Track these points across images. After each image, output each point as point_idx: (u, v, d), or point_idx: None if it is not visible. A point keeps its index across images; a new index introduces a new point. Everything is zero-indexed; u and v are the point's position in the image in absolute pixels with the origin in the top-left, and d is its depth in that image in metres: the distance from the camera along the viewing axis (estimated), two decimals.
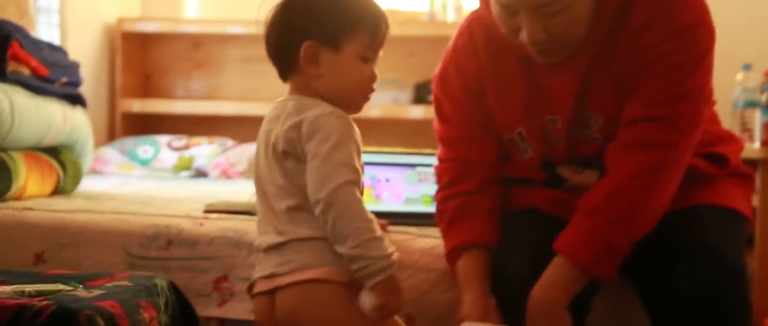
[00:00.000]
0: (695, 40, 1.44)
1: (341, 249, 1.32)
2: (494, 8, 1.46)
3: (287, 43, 1.41)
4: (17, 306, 1.24)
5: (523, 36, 1.43)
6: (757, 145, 2.57)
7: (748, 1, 3.34)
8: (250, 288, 1.45)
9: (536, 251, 1.49)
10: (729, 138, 1.67)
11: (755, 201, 2.48)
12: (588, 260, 1.43)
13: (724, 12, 3.29)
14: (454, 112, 1.62)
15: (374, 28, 1.42)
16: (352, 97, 1.42)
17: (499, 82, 1.56)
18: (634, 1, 1.45)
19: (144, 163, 3.35)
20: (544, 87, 1.52)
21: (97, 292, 1.35)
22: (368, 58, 1.42)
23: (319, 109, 1.38)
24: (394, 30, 4.09)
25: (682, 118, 1.44)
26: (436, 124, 1.68)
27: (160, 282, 1.48)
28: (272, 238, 1.39)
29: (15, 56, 2.14)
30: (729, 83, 2.77)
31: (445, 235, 1.62)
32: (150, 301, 1.40)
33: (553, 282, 1.44)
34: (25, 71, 2.21)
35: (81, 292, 1.35)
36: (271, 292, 1.39)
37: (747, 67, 2.75)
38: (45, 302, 1.25)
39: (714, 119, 1.67)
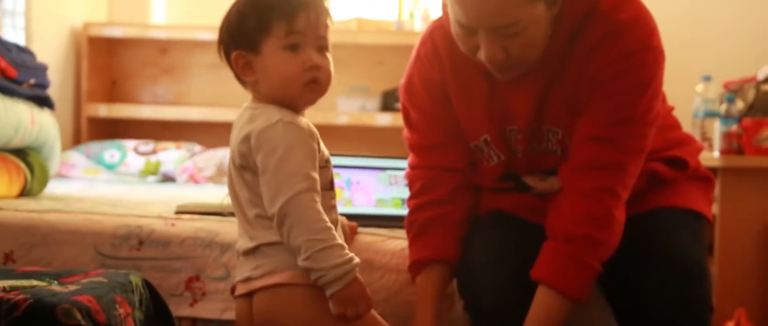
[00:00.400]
0: (642, 64, 1.47)
1: (299, 260, 1.35)
2: (453, 27, 1.48)
3: (226, 59, 1.44)
4: None
5: (482, 55, 1.46)
6: (716, 154, 2.64)
7: (708, 15, 3.42)
8: (233, 290, 1.48)
9: (501, 244, 1.55)
10: (688, 141, 1.71)
11: (715, 209, 2.55)
12: (575, 287, 1.47)
13: (685, 25, 3.39)
14: (422, 119, 1.65)
15: (288, 15, 1.40)
16: (293, 91, 1.41)
17: (462, 90, 1.59)
18: (588, 21, 1.48)
19: (110, 167, 3.34)
20: (504, 96, 1.55)
21: (72, 288, 1.35)
22: (295, 44, 1.39)
23: (265, 118, 1.39)
24: (363, 38, 4.15)
25: (628, 140, 1.48)
26: (405, 132, 1.70)
27: (135, 278, 1.49)
28: (246, 243, 1.43)
29: None
30: (689, 94, 2.85)
31: (410, 246, 1.65)
32: (125, 297, 1.41)
33: (541, 315, 1.48)
34: None
35: (56, 288, 1.35)
36: (250, 295, 1.43)
37: (707, 79, 2.82)
38: (21, 296, 1.25)
39: (674, 125, 1.71)
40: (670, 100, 1.72)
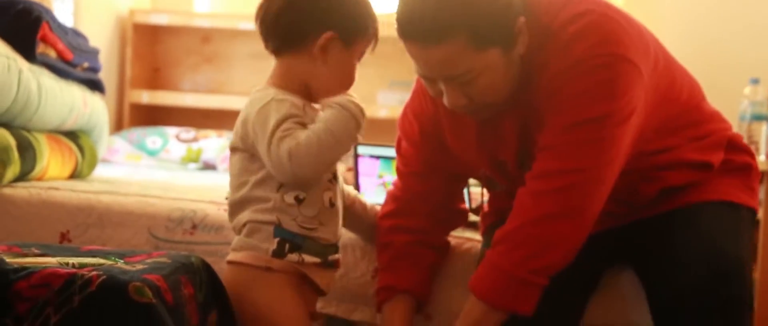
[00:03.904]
0: (590, 70, 1.43)
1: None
2: (419, 75, 1.50)
3: (301, 26, 1.46)
4: (68, 274, 1.26)
5: (445, 101, 1.47)
6: (763, 157, 2.63)
7: (756, 17, 3.40)
8: None
9: None
10: (713, 134, 1.62)
11: (760, 213, 2.53)
12: (489, 293, 1.47)
13: (733, 27, 3.37)
14: (410, 150, 1.70)
15: (376, 35, 1.52)
16: (337, 93, 1.47)
17: (454, 126, 1.61)
18: (545, 42, 1.47)
19: (152, 153, 3.37)
20: (492, 131, 1.56)
21: (140, 266, 1.37)
22: (359, 61, 1.52)
23: (259, 103, 1.45)
24: None
25: (581, 146, 1.45)
26: (396, 159, 1.75)
27: (196, 260, 1.50)
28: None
29: (44, 38, 2.16)
30: (737, 96, 2.83)
31: (386, 268, 1.68)
32: (189, 278, 1.42)
33: (463, 320, 1.50)
34: (52, 54, 2.23)
35: (124, 266, 1.37)
36: None
37: (755, 81, 2.81)
38: (94, 272, 1.27)
39: (701, 120, 1.62)
40: (716, 103, 1.69)
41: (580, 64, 1.44)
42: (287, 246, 1.47)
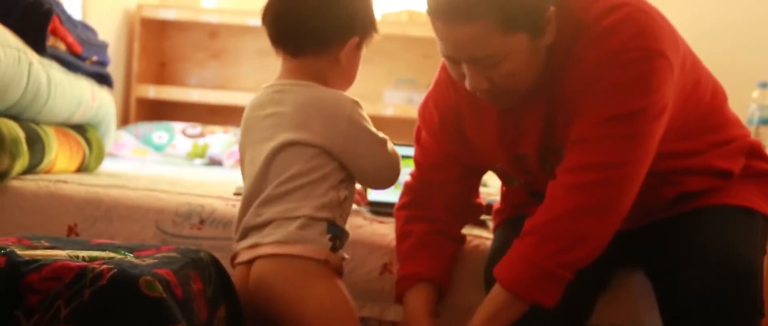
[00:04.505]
0: (625, 64, 1.43)
1: None
2: (443, 57, 1.50)
3: (329, 32, 1.50)
4: (79, 267, 1.26)
5: (467, 84, 1.47)
6: None
7: (765, 20, 3.39)
8: (233, 258, 1.55)
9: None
10: (735, 140, 1.62)
11: None
12: (515, 283, 1.47)
13: (741, 30, 3.36)
14: (429, 140, 1.70)
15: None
16: (346, 89, 1.56)
17: (475, 117, 1.61)
18: (576, 38, 1.47)
19: (158, 148, 3.37)
20: (514, 123, 1.56)
21: (150, 261, 1.37)
22: None
23: (338, 103, 1.52)
24: (413, 31, 4.16)
25: (614, 140, 1.44)
26: (414, 149, 1.75)
27: (205, 255, 1.50)
28: (254, 219, 1.51)
29: (54, 31, 2.16)
30: (745, 100, 2.83)
31: (406, 258, 1.67)
32: (198, 273, 1.42)
33: (485, 307, 1.50)
34: (62, 47, 2.24)
35: (134, 260, 1.37)
36: (250, 262, 1.50)
37: (763, 85, 2.80)
38: (105, 266, 1.27)
39: (722, 124, 1.63)
40: None
41: (616, 56, 1.43)
42: (337, 242, 1.51)
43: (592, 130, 1.45)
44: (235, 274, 1.54)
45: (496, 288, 1.50)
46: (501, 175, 1.71)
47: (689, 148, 1.57)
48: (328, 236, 1.49)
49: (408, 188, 1.74)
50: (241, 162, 1.61)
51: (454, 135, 1.65)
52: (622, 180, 1.45)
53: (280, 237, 1.47)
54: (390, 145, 1.56)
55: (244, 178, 1.60)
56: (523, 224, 1.52)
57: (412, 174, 1.76)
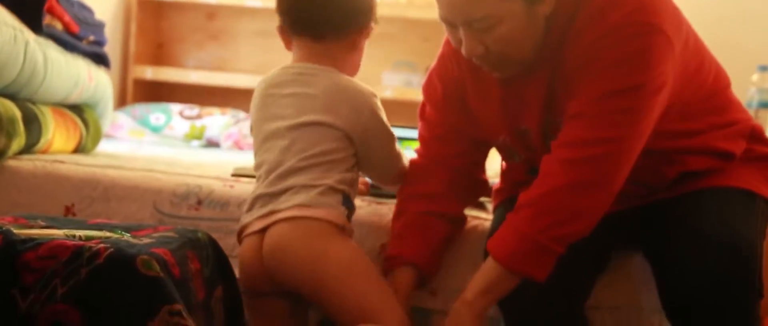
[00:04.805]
0: (625, 38, 1.43)
1: None
2: (441, 20, 1.51)
3: (351, 15, 1.58)
4: (76, 246, 1.25)
5: (463, 49, 1.47)
6: None
7: (764, 3, 3.38)
8: (241, 232, 1.57)
9: None
10: (737, 123, 1.62)
11: None
12: (508, 256, 1.47)
13: (741, 14, 3.35)
14: (434, 113, 1.70)
15: None
16: (353, 75, 1.63)
17: (478, 90, 1.61)
18: (577, 11, 1.47)
19: (155, 129, 3.36)
20: (516, 97, 1.56)
21: (147, 240, 1.36)
22: None
23: (363, 96, 1.61)
24: (412, 13, 4.15)
25: (612, 115, 1.44)
26: (419, 127, 1.75)
27: (202, 236, 1.50)
28: (268, 187, 1.55)
29: (51, 10, 2.15)
30: (744, 83, 2.82)
31: (397, 236, 1.67)
32: (195, 253, 1.42)
33: (477, 281, 1.50)
34: (59, 26, 2.22)
35: (131, 239, 1.36)
36: (263, 231, 1.52)
37: (763, 68, 2.80)
38: (102, 245, 1.27)
39: (724, 106, 1.62)
40: None
41: (616, 31, 1.43)
42: (349, 214, 1.58)
43: (590, 106, 1.45)
44: (244, 247, 1.55)
45: (489, 262, 1.50)
46: (503, 150, 1.70)
47: (691, 127, 1.57)
48: (343, 208, 1.55)
49: (412, 164, 1.73)
50: (254, 137, 1.64)
51: (458, 107, 1.65)
52: (618, 154, 1.46)
53: (299, 201, 1.51)
54: (398, 144, 1.65)
55: (256, 153, 1.62)
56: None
57: (417, 151, 1.75)
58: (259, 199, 1.55)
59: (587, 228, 1.47)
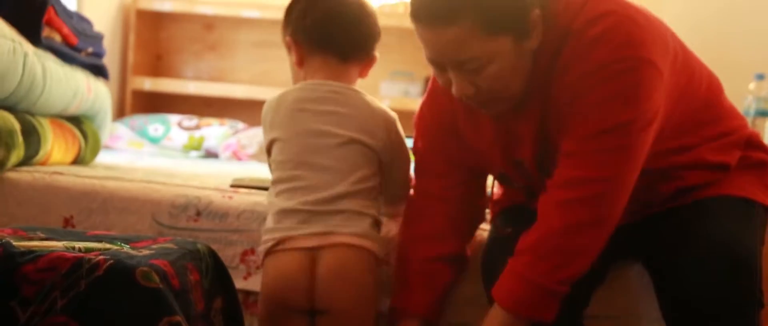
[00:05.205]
0: (612, 76, 1.41)
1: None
2: (429, 62, 1.49)
3: (370, 37, 1.67)
4: (75, 258, 1.26)
5: (453, 90, 1.46)
6: None
7: (762, 12, 3.39)
8: (276, 244, 1.56)
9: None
10: (729, 133, 1.61)
11: None
12: (514, 303, 1.47)
13: (738, 22, 3.36)
14: (428, 147, 1.67)
15: None
16: None
17: (471, 123, 1.59)
18: (563, 45, 1.45)
19: (154, 140, 3.36)
20: (509, 131, 1.55)
21: (146, 252, 1.36)
22: None
23: (390, 117, 1.68)
24: (409, 23, 4.14)
25: (604, 153, 1.44)
26: (414, 158, 1.73)
27: (202, 247, 1.50)
28: (322, 205, 1.56)
29: (50, 22, 2.15)
30: (742, 91, 2.83)
31: (402, 286, 1.65)
32: (195, 265, 1.42)
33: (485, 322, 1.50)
34: (57, 38, 2.23)
35: (131, 251, 1.36)
36: (311, 249, 1.54)
37: (760, 77, 2.80)
38: (101, 257, 1.27)
39: (714, 119, 1.61)
40: None
41: (604, 68, 1.42)
42: None
43: (582, 144, 1.45)
44: (288, 260, 1.54)
45: (496, 309, 1.49)
46: (499, 179, 1.70)
47: (685, 143, 1.56)
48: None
49: (409, 203, 1.71)
50: (276, 148, 1.65)
51: (453, 139, 1.63)
52: (613, 193, 1.46)
53: (357, 230, 1.55)
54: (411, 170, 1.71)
55: (283, 167, 1.61)
56: (520, 213, 1.52)
57: (414, 186, 1.72)
58: (298, 214, 1.54)
59: (588, 264, 1.47)
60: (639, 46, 1.42)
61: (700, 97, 1.58)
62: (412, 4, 1.43)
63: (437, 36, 1.40)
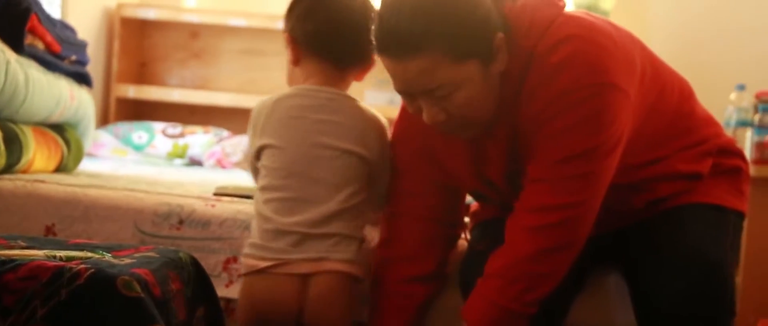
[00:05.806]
0: (576, 103, 1.42)
1: None
2: (398, 92, 1.49)
3: (370, 45, 1.55)
4: (56, 267, 1.25)
5: (424, 117, 1.45)
6: None
7: (743, 22, 3.42)
8: (265, 268, 1.56)
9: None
10: (702, 142, 1.62)
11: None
12: (483, 324, 1.49)
13: (720, 33, 3.39)
14: (404, 168, 1.65)
15: None
16: None
17: (444, 143, 1.59)
18: (528, 68, 1.45)
19: (138, 148, 3.36)
20: (480, 152, 1.55)
21: (128, 261, 1.36)
22: None
23: (382, 127, 1.68)
24: None
25: (571, 180, 1.45)
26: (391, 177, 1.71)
27: (184, 256, 1.50)
28: (314, 228, 1.56)
29: (33, 30, 2.15)
30: (722, 102, 2.85)
31: (377, 311, 1.65)
32: (176, 274, 1.42)
33: None
34: (40, 46, 2.22)
35: (112, 260, 1.36)
36: (303, 275, 1.55)
37: (741, 88, 2.83)
38: (82, 266, 1.26)
39: (687, 129, 1.61)
40: None
41: (567, 96, 1.42)
42: None
43: (548, 171, 1.46)
44: (282, 284, 1.55)
45: None
46: (474, 196, 1.71)
47: (657, 155, 1.57)
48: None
49: (386, 222, 1.69)
50: (268, 154, 1.62)
51: (428, 160, 1.62)
52: (581, 218, 1.47)
53: (348, 256, 1.57)
54: None
55: (274, 175, 1.60)
56: (496, 227, 1.53)
57: (390, 205, 1.69)
58: (291, 236, 1.54)
59: (555, 285, 1.49)
60: (602, 72, 1.42)
61: (672, 109, 1.58)
62: (377, 38, 1.42)
63: (404, 67, 1.39)
